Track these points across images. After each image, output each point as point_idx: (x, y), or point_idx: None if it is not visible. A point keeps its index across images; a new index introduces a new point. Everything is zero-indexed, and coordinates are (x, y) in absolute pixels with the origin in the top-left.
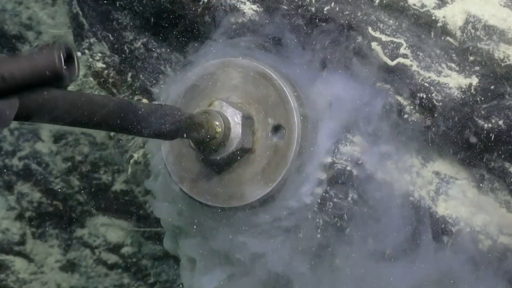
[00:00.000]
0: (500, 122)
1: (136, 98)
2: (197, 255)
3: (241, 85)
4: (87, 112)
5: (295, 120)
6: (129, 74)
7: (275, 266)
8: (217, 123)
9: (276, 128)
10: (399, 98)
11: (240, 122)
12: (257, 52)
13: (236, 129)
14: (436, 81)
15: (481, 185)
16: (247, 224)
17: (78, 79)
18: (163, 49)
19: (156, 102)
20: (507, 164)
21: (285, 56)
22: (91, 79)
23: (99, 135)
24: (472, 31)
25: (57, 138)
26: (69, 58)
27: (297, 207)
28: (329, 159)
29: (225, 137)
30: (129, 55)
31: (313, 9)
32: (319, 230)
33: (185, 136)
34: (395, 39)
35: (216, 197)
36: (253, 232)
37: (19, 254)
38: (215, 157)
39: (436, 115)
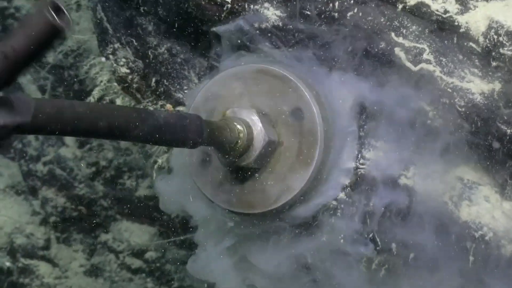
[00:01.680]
0: None
1: (160, 103)
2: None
3: (261, 90)
4: (108, 123)
5: (318, 126)
6: (153, 79)
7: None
8: (238, 126)
9: (299, 134)
10: (422, 103)
11: (259, 121)
12: (279, 57)
13: (258, 127)
14: (459, 87)
15: (504, 190)
16: (275, 229)
17: (102, 84)
18: (187, 54)
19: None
20: None
21: (308, 61)
22: (115, 84)
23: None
24: (495, 36)
25: (82, 143)
26: (58, 11)
27: (321, 211)
28: (353, 164)
29: (250, 139)
30: (153, 60)
31: (336, 14)
32: (342, 235)
33: (208, 143)
34: (418, 45)
35: (242, 204)
36: (280, 236)
37: (43, 258)
38: (240, 163)
39: (459, 120)
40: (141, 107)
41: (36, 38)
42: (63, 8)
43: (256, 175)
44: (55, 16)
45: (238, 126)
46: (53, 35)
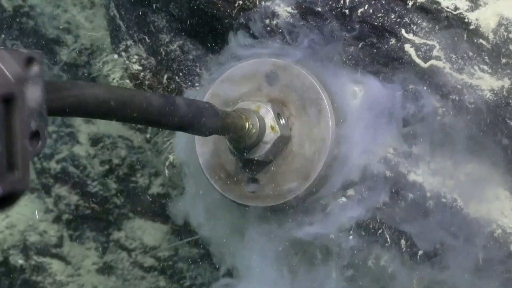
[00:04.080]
0: None
1: None
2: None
3: (274, 85)
4: (127, 106)
5: (330, 121)
6: (165, 76)
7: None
8: (252, 120)
9: (309, 129)
10: (432, 100)
11: (271, 111)
12: (290, 54)
13: (269, 119)
14: (469, 83)
15: None
16: (285, 223)
17: (115, 81)
18: (199, 51)
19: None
20: None
21: (319, 58)
22: (128, 81)
23: (136, 138)
24: (505, 33)
25: (95, 141)
26: None
27: (330, 206)
28: (362, 161)
29: (262, 130)
30: (165, 57)
31: (347, 11)
32: (351, 232)
33: (221, 132)
34: (428, 41)
35: (267, 197)
36: (289, 230)
37: (56, 256)
38: (256, 154)
39: (468, 117)
40: None
41: None
42: None
43: (268, 168)
44: None
45: (251, 118)
46: None
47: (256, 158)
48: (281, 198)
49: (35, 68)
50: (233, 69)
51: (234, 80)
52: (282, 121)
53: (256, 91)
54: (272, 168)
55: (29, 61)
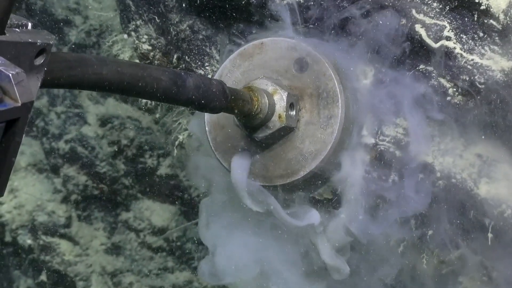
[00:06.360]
0: None
1: None
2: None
3: (286, 65)
4: (132, 88)
5: (340, 101)
6: (175, 56)
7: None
8: (261, 100)
9: (315, 129)
10: (442, 80)
11: (284, 100)
12: (302, 33)
13: (280, 107)
14: (479, 64)
15: None
16: (289, 202)
17: None
18: (209, 31)
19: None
20: None
21: (329, 38)
22: (137, 61)
23: (145, 119)
24: None
25: (103, 121)
26: None
27: (338, 187)
28: (372, 141)
29: (269, 115)
30: (175, 37)
31: None
32: (362, 211)
33: (229, 110)
34: (438, 22)
35: (258, 175)
36: (296, 210)
37: (64, 236)
38: (258, 135)
39: (478, 97)
40: None
41: None
42: None
43: (265, 149)
44: None
45: (262, 101)
46: None
47: (262, 137)
48: (267, 180)
49: (42, 57)
50: (247, 45)
51: (247, 56)
52: (293, 112)
53: (282, 72)
54: (269, 150)
55: (41, 52)
